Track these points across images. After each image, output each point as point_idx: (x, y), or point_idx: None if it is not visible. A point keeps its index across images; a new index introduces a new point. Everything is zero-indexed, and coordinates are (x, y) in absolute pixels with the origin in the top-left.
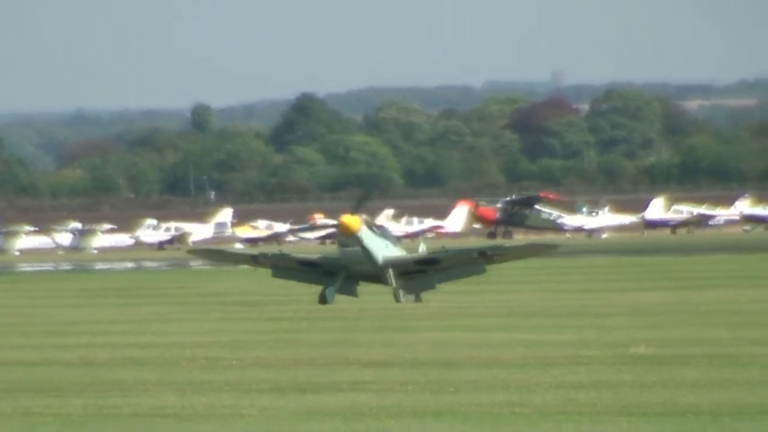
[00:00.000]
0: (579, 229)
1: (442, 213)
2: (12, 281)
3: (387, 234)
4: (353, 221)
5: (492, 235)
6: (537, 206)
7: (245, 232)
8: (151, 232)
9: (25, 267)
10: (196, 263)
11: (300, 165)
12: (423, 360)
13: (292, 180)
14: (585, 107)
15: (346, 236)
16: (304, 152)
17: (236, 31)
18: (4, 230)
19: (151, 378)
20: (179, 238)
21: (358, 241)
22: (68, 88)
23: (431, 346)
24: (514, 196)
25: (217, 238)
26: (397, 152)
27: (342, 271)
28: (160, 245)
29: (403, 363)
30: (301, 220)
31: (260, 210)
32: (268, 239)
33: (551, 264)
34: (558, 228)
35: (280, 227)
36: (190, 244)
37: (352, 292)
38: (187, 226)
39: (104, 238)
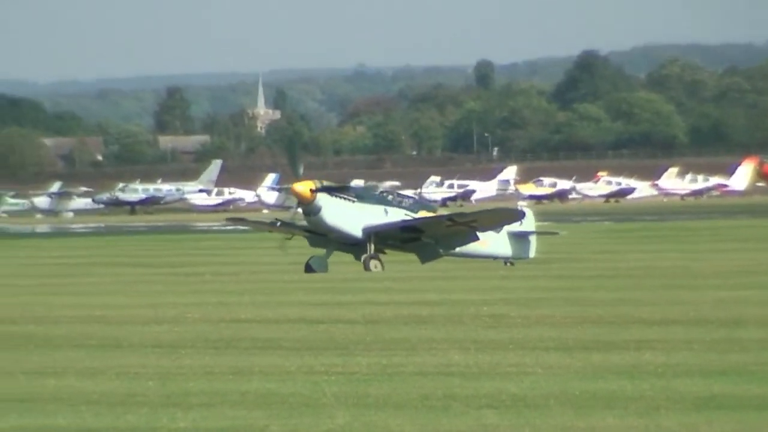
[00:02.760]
0: None
1: (727, 170)
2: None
3: (373, 197)
4: (304, 187)
5: None
6: None
7: (528, 189)
8: (434, 189)
9: None
10: None
11: (583, 122)
12: (708, 318)
13: (576, 137)
14: None
15: (303, 204)
16: (589, 109)
17: None
18: (287, 186)
19: (435, 336)
20: (462, 195)
21: (316, 210)
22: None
23: (716, 305)
24: None
25: (500, 195)
26: (680, 110)
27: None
28: (443, 202)
29: (689, 321)
30: (584, 177)
31: (543, 167)
32: (551, 197)
33: None
34: None
35: (564, 184)
36: (473, 201)
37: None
38: (471, 184)
39: None
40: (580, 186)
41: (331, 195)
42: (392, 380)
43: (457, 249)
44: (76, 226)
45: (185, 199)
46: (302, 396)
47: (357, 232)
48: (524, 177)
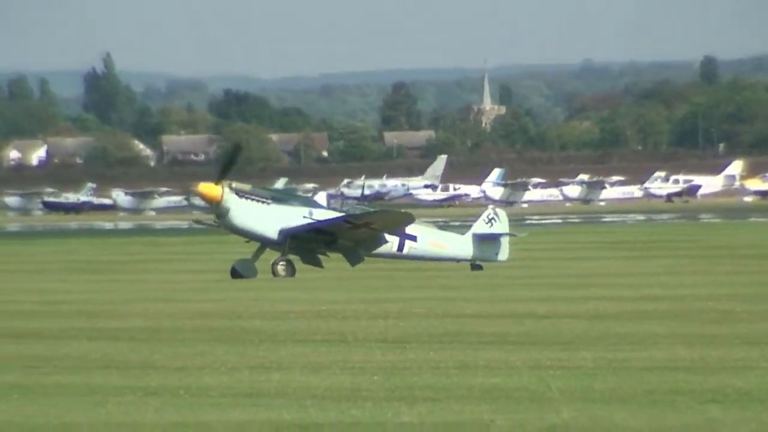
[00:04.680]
0: None
1: None
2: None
3: (298, 199)
4: (210, 189)
5: None
6: None
7: (755, 184)
8: (660, 184)
9: (534, 219)
10: (706, 216)
11: None
12: None
13: None
14: None
15: (212, 206)
16: None
17: None
18: (511, 182)
19: (660, 331)
20: (687, 191)
21: (225, 212)
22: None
23: None
24: None
25: (726, 190)
26: None
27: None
28: (668, 197)
29: None
30: None
31: None
32: None
33: None
34: None
35: None
36: (698, 197)
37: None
38: (696, 179)
39: (613, 190)
40: None
41: (240, 197)
42: (617, 375)
43: (414, 252)
44: None
45: (411, 194)
46: (527, 390)
47: (271, 234)
48: (751, 172)
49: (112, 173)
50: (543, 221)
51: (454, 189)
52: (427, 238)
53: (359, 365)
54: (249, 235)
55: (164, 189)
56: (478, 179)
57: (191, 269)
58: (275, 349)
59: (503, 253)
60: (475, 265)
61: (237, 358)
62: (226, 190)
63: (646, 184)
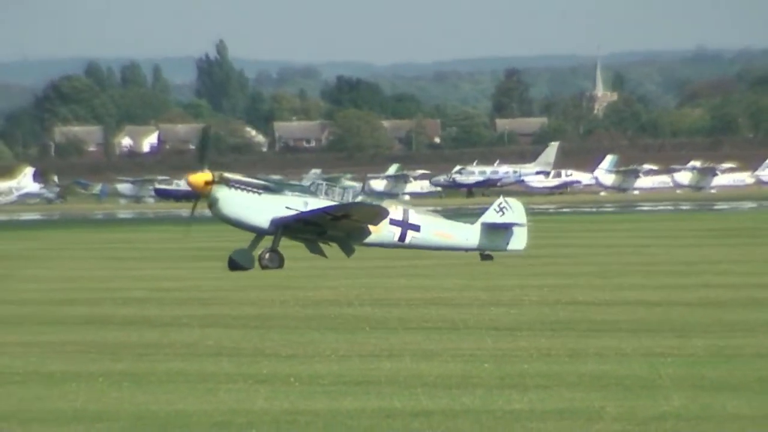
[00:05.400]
0: None
1: None
2: (633, 221)
3: (293, 188)
4: (199, 179)
5: None
6: None
7: None
8: None
9: (645, 206)
10: None
11: None
12: None
13: None
14: None
15: (202, 196)
16: None
17: None
18: (623, 169)
19: None
20: None
21: (214, 201)
22: (689, 26)
23: None
24: None
25: None
26: None
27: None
28: None
29: None
30: None
31: None
32: None
33: None
34: None
35: None
36: None
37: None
38: None
39: (724, 177)
40: None
41: (230, 187)
42: (729, 362)
43: (417, 242)
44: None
45: (522, 181)
46: (638, 378)
47: (262, 223)
48: None
49: (224, 160)
50: (654, 208)
51: (566, 175)
52: (431, 228)
53: (470, 353)
54: (239, 225)
55: (276, 176)
56: (590, 166)
57: (304, 256)
58: (386, 337)
59: (516, 243)
60: (484, 255)
61: (348, 346)
62: (215, 179)
63: (758, 172)
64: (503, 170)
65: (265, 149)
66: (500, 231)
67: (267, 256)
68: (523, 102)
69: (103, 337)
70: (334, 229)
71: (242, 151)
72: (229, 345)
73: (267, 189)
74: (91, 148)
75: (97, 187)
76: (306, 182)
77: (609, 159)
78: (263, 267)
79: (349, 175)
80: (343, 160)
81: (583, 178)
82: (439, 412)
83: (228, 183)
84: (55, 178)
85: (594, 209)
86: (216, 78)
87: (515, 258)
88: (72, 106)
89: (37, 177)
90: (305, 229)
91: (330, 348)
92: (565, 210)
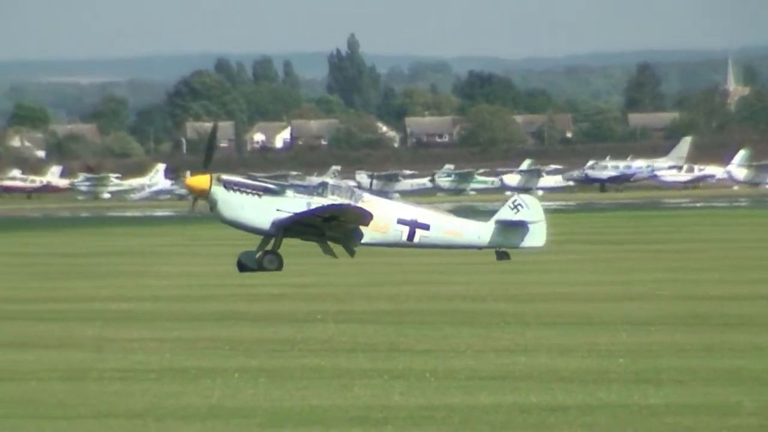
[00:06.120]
0: None
1: None
2: (766, 215)
3: (297, 189)
4: (196, 182)
5: None
6: None
7: None
8: None
9: None
10: None
11: None
12: None
13: None
14: None
15: (202, 198)
16: None
17: None
18: (756, 163)
19: None
20: None
21: (213, 204)
22: None
23: None
24: None
25: None
26: None
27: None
28: None
29: None
30: None
31: None
32: None
33: None
34: None
35: None
36: None
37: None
38: None
39: None
40: None
41: (228, 189)
42: None
43: (426, 240)
44: (545, 204)
45: (656, 176)
46: None
47: (262, 226)
48: None
49: (356, 155)
50: None
51: (699, 170)
52: (441, 227)
53: (605, 348)
54: (240, 227)
55: (409, 171)
56: (723, 160)
57: (430, 252)
58: (521, 332)
59: (534, 240)
60: (500, 253)
61: (483, 341)
62: (214, 182)
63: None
64: (636, 165)
65: (396, 144)
66: (516, 228)
67: (266, 258)
68: (655, 96)
69: (236, 333)
70: (330, 230)
71: (374, 146)
72: (364, 341)
73: (268, 191)
74: (223, 144)
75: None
76: (315, 182)
77: (741, 153)
78: (262, 269)
79: (481, 170)
80: (476, 155)
81: (716, 172)
82: (574, 407)
83: (226, 185)
84: (187, 175)
85: (727, 204)
86: (347, 73)
87: (647, 252)
88: (203, 102)
89: (168, 173)
90: (304, 230)
91: (465, 343)
92: (697, 204)
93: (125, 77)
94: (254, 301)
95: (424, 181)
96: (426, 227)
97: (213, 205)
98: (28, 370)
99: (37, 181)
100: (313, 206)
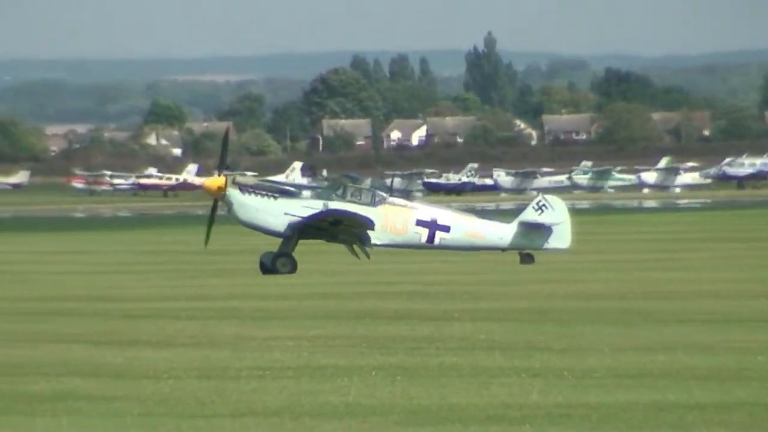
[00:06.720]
0: None
1: None
2: None
3: (306, 190)
4: (212, 184)
5: None
6: None
7: None
8: None
9: None
10: None
11: None
12: None
13: None
14: None
15: (219, 200)
16: None
17: None
18: None
19: None
20: None
21: (228, 206)
22: None
23: None
24: None
25: None
26: None
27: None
28: None
29: None
30: None
31: None
32: None
33: None
34: None
35: None
36: None
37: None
38: None
39: None
40: None
41: (243, 192)
42: None
43: (446, 242)
44: (682, 201)
45: None
46: None
47: (278, 228)
48: None
49: (493, 153)
50: None
51: None
52: (462, 228)
53: (743, 345)
54: (256, 229)
55: (546, 169)
56: None
57: (581, 249)
58: (660, 330)
59: (558, 241)
60: (524, 255)
61: (621, 339)
62: (229, 184)
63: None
64: None
65: (534, 142)
66: (539, 230)
67: (279, 260)
68: None
69: (372, 331)
70: (340, 234)
71: (511, 143)
72: (501, 339)
73: (284, 193)
74: (360, 142)
75: (367, 181)
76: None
77: None
78: (275, 271)
79: (618, 168)
80: (613, 152)
81: None
82: (712, 406)
83: (242, 188)
84: (324, 172)
85: None
86: (484, 71)
87: None
88: (339, 99)
89: (305, 171)
90: (317, 233)
91: (603, 341)
92: None
93: (262, 75)
94: (389, 299)
95: (562, 179)
96: (446, 229)
97: (229, 207)
98: (166, 368)
99: (173, 178)
100: (331, 208)
